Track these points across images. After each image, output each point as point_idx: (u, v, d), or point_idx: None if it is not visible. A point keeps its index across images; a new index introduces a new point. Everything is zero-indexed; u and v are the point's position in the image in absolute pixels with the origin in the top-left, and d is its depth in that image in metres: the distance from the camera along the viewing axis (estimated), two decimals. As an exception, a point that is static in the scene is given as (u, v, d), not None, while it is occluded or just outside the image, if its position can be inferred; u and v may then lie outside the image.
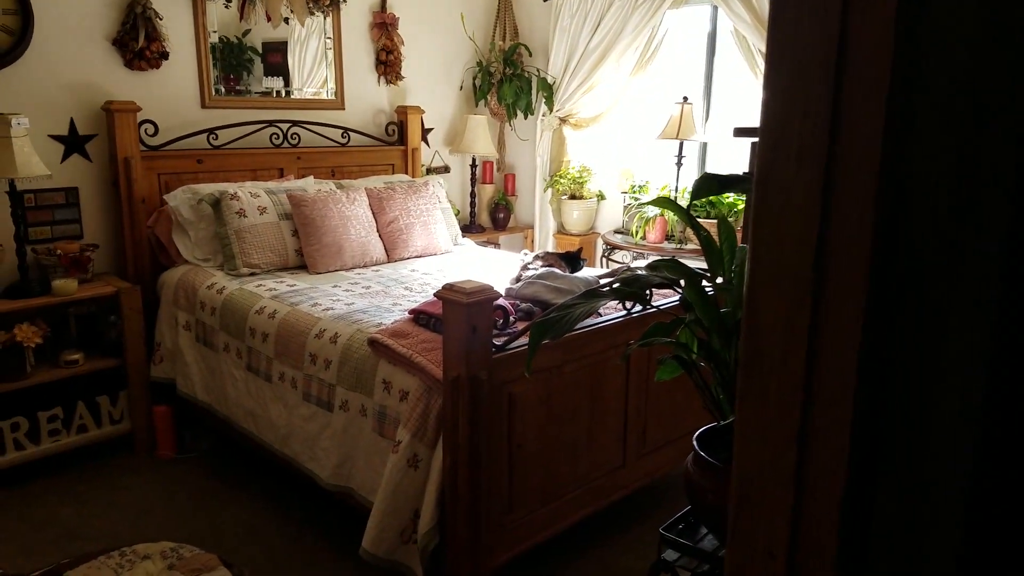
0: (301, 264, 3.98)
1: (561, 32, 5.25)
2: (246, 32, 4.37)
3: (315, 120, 4.64)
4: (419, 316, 2.92)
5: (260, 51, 4.47)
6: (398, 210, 4.40)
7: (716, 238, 1.90)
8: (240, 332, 3.36)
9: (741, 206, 4.56)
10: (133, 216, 3.81)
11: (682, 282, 1.73)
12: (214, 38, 4.19)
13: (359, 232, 4.15)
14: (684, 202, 4.79)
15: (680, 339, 1.81)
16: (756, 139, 0.85)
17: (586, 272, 3.78)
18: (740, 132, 2.65)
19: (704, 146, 4.99)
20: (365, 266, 4.16)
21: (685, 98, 4.74)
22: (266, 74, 4.54)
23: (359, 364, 2.87)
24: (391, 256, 4.32)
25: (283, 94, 4.60)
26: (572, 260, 4.03)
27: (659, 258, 2.15)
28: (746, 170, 2.75)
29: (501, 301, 2.85)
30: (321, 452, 3.01)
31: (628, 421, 3.16)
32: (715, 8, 4.78)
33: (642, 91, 5.33)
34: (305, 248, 3.93)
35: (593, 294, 1.77)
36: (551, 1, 5.30)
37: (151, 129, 3.88)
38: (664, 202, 1.94)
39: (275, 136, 4.44)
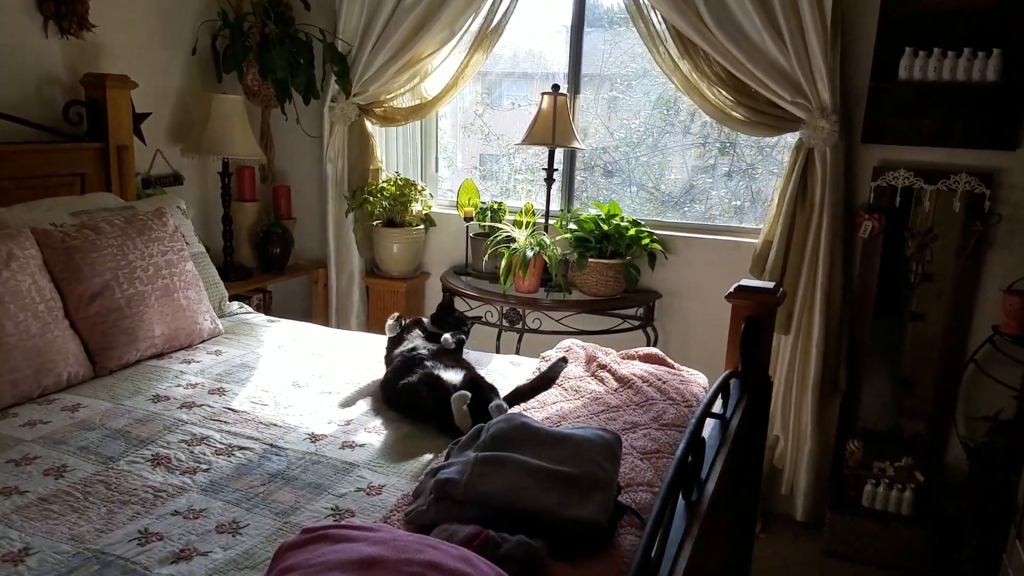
0: None
1: (353, -25, 3.43)
2: None
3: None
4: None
5: None
6: (110, 270, 2.32)
7: None
8: None
9: (647, 241, 3.17)
10: None
11: None
12: None
13: (26, 326, 2.04)
14: (563, 239, 3.28)
15: None
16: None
17: (582, 427, 2.03)
18: None
19: (571, 155, 3.51)
20: (43, 397, 2.08)
21: (556, 87, 3.23)
22: None
23: None
24: (101, 366, 2.27)
25: None
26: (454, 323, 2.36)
27: None
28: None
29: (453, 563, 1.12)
30: None
31: None
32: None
33: (491, 74, 3.73)
34: None
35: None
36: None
37: None
38: None
39: None
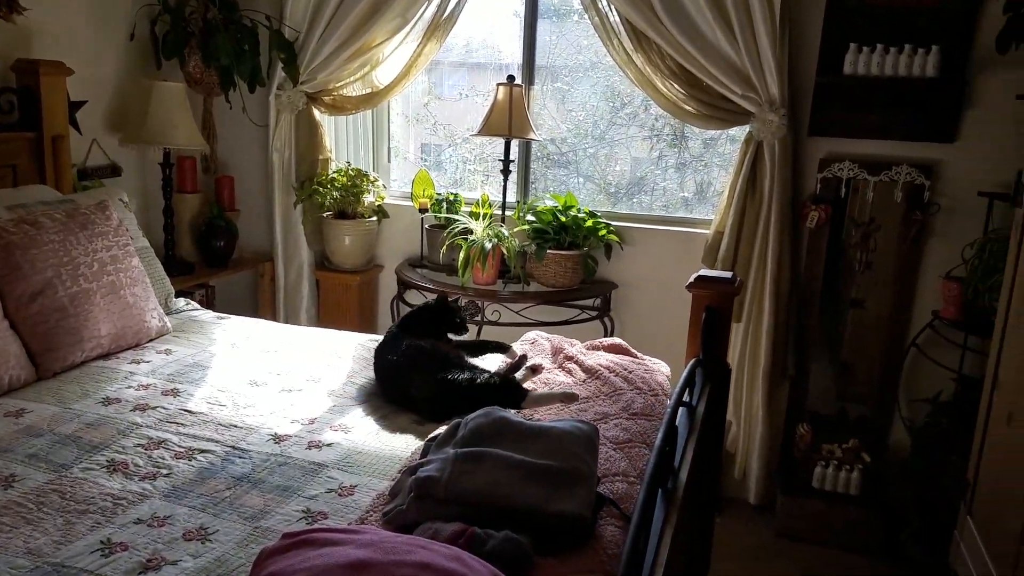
0: None
1: (299, -40, 3.34)
2: None
3: None
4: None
5: None
6: (52, 266, 2.22)
7: None
8: None
9: (604, 232, 3.18)
10: None
11: None
12: None
13: (-29, 333, 1.94)
14: (521, 231, 3.28)
15: None
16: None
17: (566, 422, 2.01)
18: None
19: (527, 146, 3.50)
20: (-8, 404, 1.96)
21: (511, 78, 3.21)
22: None
23: None
24: (45, 368, 2.17)
25: None
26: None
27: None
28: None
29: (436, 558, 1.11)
30: None
31: None
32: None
33: (441, 63, 3.69)
34: None
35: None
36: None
37: None
38: None
39: None
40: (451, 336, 2.23)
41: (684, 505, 1.52)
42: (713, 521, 2.46)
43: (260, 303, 3.75)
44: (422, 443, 1.70)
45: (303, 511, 1.56)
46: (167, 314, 2.70)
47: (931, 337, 2.87)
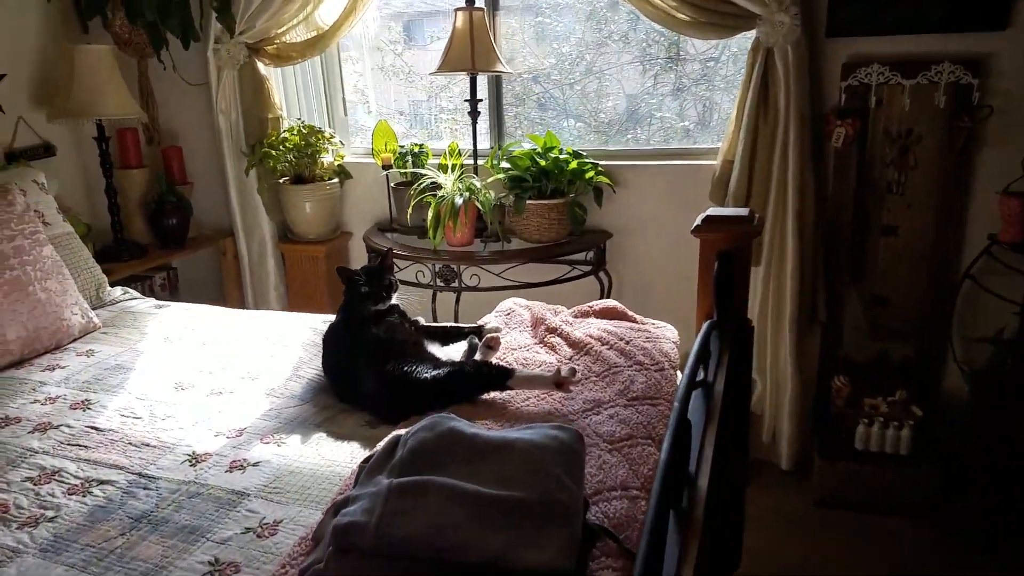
0: None
1: None
2: None
3: None
4: None
5: None
6: (-67, 268, 1.85)
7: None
8: None
9: (591, 174, 2.76)
10: None
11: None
12: None
13: None
14: (497, 180, 2.85)
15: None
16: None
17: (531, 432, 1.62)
18: None
19: (498, 81, 3.07)
20: None
21: (470, 1, 2.77)
22: None
23: None
24: (-66, 387, 1.81)
25: None
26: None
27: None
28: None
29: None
30: None
31: None
32: None
33: (405, 14, 3.27)
34: None
35: None
36: None
37: None
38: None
39: None
40: (375, 308, 1.82)
41: (705, 526, 1.14)
42: (744, 495, 2.10)
43: (225, 283, 3.39)
44: (357, 468, 1.33)
45: (209, 562, 1.21)
46: (99, 307, 2.35)
47: (988, 264, 2.44)
